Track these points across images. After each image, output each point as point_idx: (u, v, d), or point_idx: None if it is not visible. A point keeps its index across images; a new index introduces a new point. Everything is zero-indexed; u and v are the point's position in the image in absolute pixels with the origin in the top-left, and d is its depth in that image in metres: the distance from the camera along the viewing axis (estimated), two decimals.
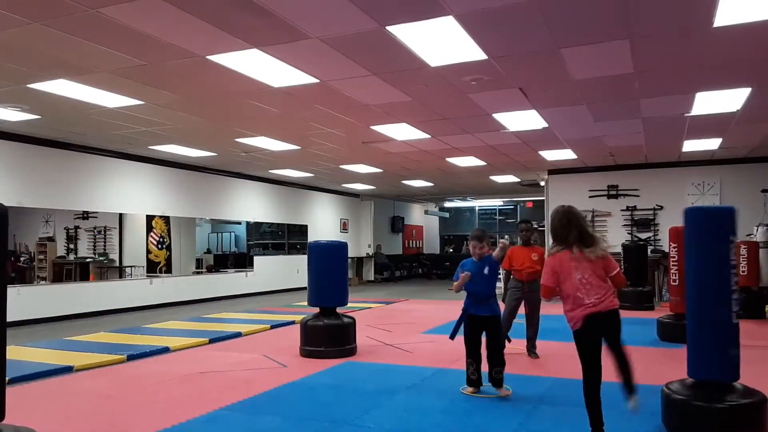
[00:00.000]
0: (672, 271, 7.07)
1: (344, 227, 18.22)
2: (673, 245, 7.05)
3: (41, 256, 9.96)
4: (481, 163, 11.85)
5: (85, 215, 10.38)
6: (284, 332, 7.72)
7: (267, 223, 14.99)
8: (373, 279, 18.97)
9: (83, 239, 10.57)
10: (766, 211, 11.06)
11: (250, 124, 8.23)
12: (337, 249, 6.35)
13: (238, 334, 7.43)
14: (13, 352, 5.66)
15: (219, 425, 3.80)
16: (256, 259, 14.36)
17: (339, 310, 6.29)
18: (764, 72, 5.89)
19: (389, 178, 14.43)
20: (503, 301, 5.74)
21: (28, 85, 6.20)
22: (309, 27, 4.61)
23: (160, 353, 6.24)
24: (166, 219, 11.94)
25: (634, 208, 12.49)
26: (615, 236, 12.47)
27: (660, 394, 3.60)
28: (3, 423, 2.74)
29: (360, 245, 18.98)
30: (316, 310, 6.21)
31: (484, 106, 7.17)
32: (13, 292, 8.36)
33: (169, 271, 12.03)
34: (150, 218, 11.54)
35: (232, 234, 15.31)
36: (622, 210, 12.59)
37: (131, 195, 10.81)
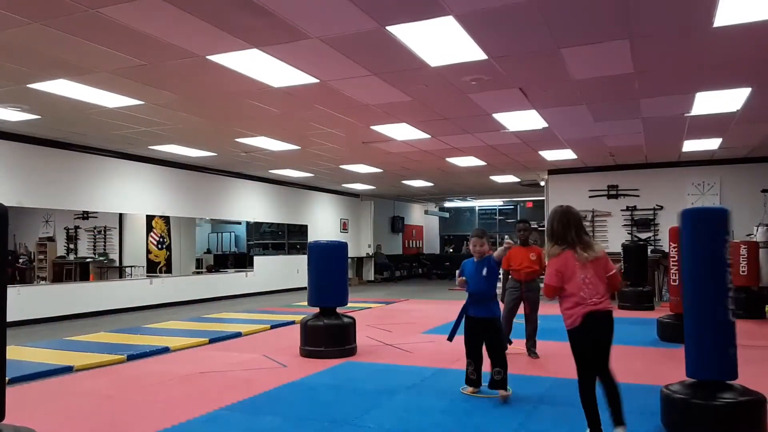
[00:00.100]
0: (672, 271, 7.07)
1: (344, 227, 18.22)
2: (673, 245, 7.06)
3: (41, 256, 9.96)
4: (481, 163, 11.85)
5: (85, 215, 10.39)
6: (284, 332, 7.72)
7: (267, 223, 14.99)
8: (373, 279, 18.98)
9: (83, 239, 10.57)
10: (766, 211, 11.06)
11: (250, 124, 8.23)
12: (337, 249, 6.35)
13: (238, 334, 7.44)
14: (13, 352, 5.66)
15: (219, 425, 3.80)
16: (256, 259, 14.36)
17: (339, 310, 6.29)
18: (764, 72, 5.89)
19: (389, 178, 14.43)
20: (502, 301, 5.75)
21: (28, 85, 6.20)
22: (309, 27, 4.62)
23: (160, 353, 6.24)
24: (166, 219, 11.95)
25: (634, 208, 12.49)
26: (615, 236, 12.49)
27: (659, 395, 3.59)
28: (3, 423, 2.74)
29: (360, 245, 18.98)
30: (316, 310, 6.21)
31: (484, 106, 7.17)
32: (13, 292, 8.36)
33: (169, 271, 12.03)
34: (150, 218, 11.55)
35: (232, 234, 15.32)
36: (622, 210, 12.60)
37: (131, 195, 10.81)
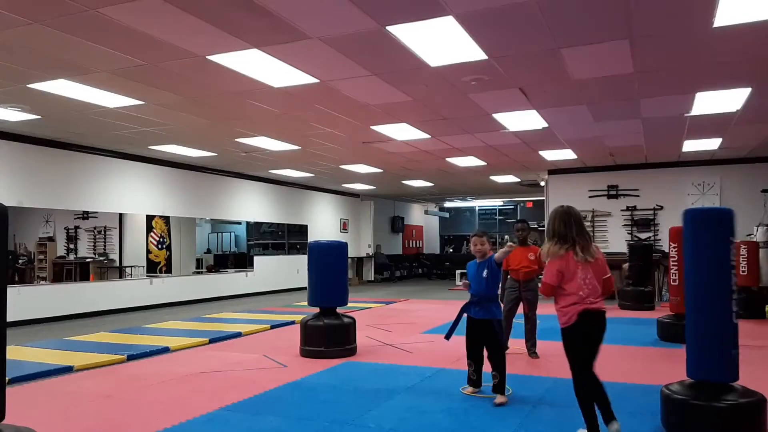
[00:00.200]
0: (672, 271, 7.07)
1: (344, 227, 18.22)
2: (673, 245, 7.05)
3: (41, 256, 9.96)
4: (481, 163, 11.85)
5: (85, 215, 10.39)
6: (284, 332, 7.72)
7: (267, 223, 14.99)
8: (373, 279, 18.98)
9: (83, 239, 10.57)
10: (766, 211, 11.06)
11: (250, 124, 8.23)
12: (337, 249, 6.35)
13: (238, 334, 7.43)
14: (13, 352, 5.67)
15: (219, 425, 3.80)
16: (256, 259, 14.36)
17: (339, 310, 6.29)
18: (764, 72, 5.89)
19: (389, 178, 14.43)
20: (501, 300, 5.75)
21: (28, 85, 6.20)
22: (309, 27, 4.61)
23: (160, 353, 6.24)
24: (166, 219, 11.95)
25: (634, 208, 12.49)
26: (615, 236, 12.50)
27: (659, 395, 3.59)
28: (3, 423, 2.73)
29: (360, 245, 18.98)
30: (316, 310, 6.21)
31: (484, 106, 7.17)
32: (13, 292, 8.36)
33: (169, 271, 12.03)
34: (150, 218, 11.55)
35: (232, 234, 15.32)
36: (622, 210, 12.59)
37: (131, 195, 10.81)
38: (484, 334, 4.39)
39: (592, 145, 9.97)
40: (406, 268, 20.87)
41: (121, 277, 11.09)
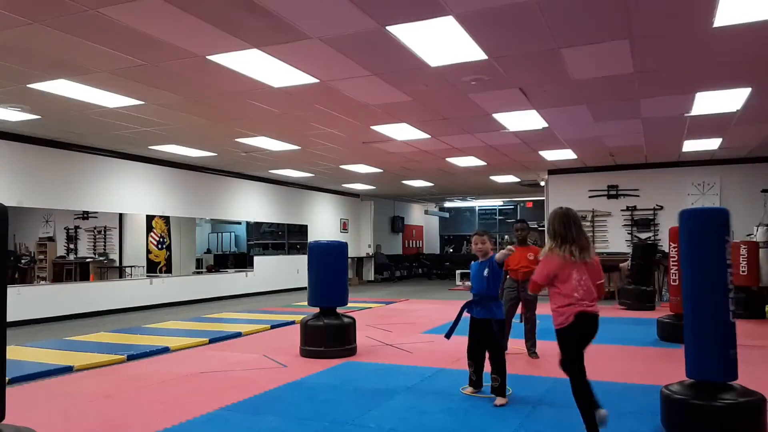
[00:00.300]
0: (672, 271, 7.07)
1: (344, 227, 18.22)
2: (673, 245, 7.06)
3: (41, 256, 9.96)
4: (481, 163, 11.85)
5: (85, 215, 10.39)
6: (284, 332, 7.72)
7: (267, 223, 14.99)
8: (373, 279, 18.98)
9: (83, 239, 10.57)
10: (766, 211, 11.06)
11: (250, 124, 8.23)
12: (337, 249, 6.35)
13: (238, 334, 7.44)
14: (13, 352, 5.67)
15: (219, 425, 3.80)
16: (256, 259, 14.36)
17: (339, 310, 6.29)
18: (764, 72, 5.89)
19: (389, 178, 14.43)
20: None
21: (28, 85, 6.20)
22: (309, 27, 4.62)
23: (160, 353, 6.24)
24: (166, 219, 11.95)
25: (634, 208, 12.49)
26: (615, 236, 12.50)
27: (659, 395, 3.59)
28: (3, 423, 2.74)
29: (360, 245, 18.98)
30: (316, 310, 6.21)
31: (484, 106, 7.17)
32: (13, 292, 8.36)
33: (169, 271, 12.03)
34: (150, 218, 11.55)
35: (232, 234, 15.32)
36: (622, 210, 12.59)
37: (131, 195, 10.81)
38: (484, 334, 4.37)
39: (592, 145, 9.97)
40: (406, 268, 20.87)
41: (121, 277, 11.09)
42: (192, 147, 9.97)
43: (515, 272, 5.82)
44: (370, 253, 19.08)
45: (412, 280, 20.07)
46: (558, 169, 12.99)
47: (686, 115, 7.73)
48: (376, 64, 5.55)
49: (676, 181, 12.02)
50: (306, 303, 6.55)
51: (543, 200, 14.73)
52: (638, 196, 12.47)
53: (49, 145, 9.25)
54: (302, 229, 16.17)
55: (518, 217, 20.68)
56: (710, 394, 3.30)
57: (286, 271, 15.20)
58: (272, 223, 15.17)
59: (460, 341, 4.62)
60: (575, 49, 5.16)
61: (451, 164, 11.98)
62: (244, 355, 6.13)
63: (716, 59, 5.47)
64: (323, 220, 17.06)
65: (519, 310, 5.93)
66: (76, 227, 10.44)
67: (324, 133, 8.77)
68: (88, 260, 10.59)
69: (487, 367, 4.40)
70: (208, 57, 5.29)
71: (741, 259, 8.98)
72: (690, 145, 10.07)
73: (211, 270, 13.73)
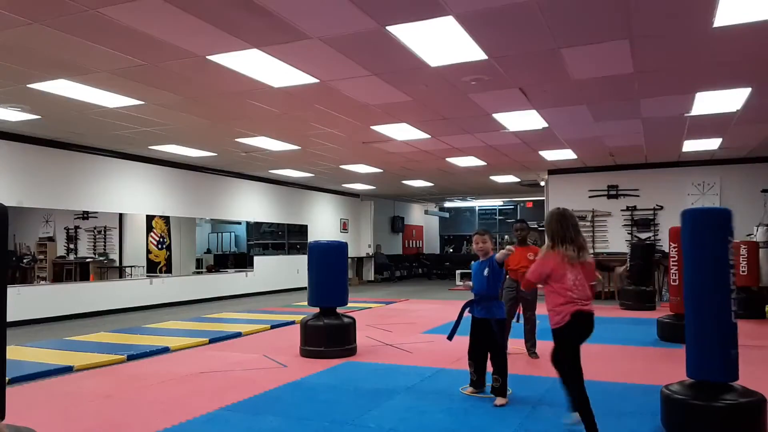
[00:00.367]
0: (672, 271, 7.07)
1: (344, 227, 18.22)
2: (673, 245, 7.05)
3: (41, 256, 9.96)
4: (481, 163, 11.85)
5: (85, 215, 10.39)
6: (284, 332, 7.72)
7: (267, 223, 14.99)
8: (373, 279, 18.98)
9: (83, 239, 10.57)
10: (766, 211, 11.06)
11: (250, 124, 8.23)
12: (337, 249, 6.35)
13: (238, 334, 7.44)
14: (13, 352, 5.67)
15: (219, 425, 3.80)
16: (256, 259, 14.36)
17: (339, 310, 6.29)
18: (764, 72, 5.89)
19: (389, 178, 14.43)
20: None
21: (28, 85, 6.20)
22: (309, 27, 4.61)
23: (160, 353, 6.24)
24: (166, 219, 11.95)
25: (634, 208, 12.49)
26: (615, 236, 12.49)
27: (659, 395, 3.59)
28: (3, 423, 2.74)
29: (360, 245, 18.98)
30: (316, 310, 6.21)
31: (484, 106, 7.17)
32: (14, 292, 8.36)
33: (169, 271, 12.03)
34: (150, 218, 11.55)
35: (232, 234, 15.32)
36: (622, 210, 12.59)
37: (131, 195, 10.81)
38: (485, 334, 4.37)
39: (592, 145, 9.97)
40: (406, 268, 20.87)
41: (121, 277, 11.09)
42: (192, 147, 9.97)
43: (515, 272, 5.82)
44: (370, 253, 19.08)
45: (412, 280, 20.07)
46: (558, 169, 12.99)
47: (686, 115, 7.73)
48: (376, 64, 5.55)
49: (676, 181, 12.02)
50: (306, 303, 6.55)
51: (543, 200, 14.73)
52: (638, 196, 12.47)
53: (49, 145, 9.25)
54: (302, 229, 16.17)
55: (518, 217, 20.68)
56: (711, 395, 3.30)
57: (286, 271, 15.20)
58: (272, 223, 15.17)
59: (461, 341, 4.62)
60: (575, 49, 5.16)
61: (451, 164, 11.98)
62: (244, 355, 6.13)
63: (716, 59, 5.46)
64: (323, 220, 17.06)
65: (519, 310, 5.93)
66: (76, 227, 10.44)
67: (324, 133, 8.77)
68: (88, 260, 10.59)
69: (489, 367, 4.40)
70: (208, 57, 5.29)
71: (741, 259, 8.99)
72: (690, 145, 10.07)
73: (211, 270, 13.73)
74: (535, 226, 17.70)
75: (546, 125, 8.30)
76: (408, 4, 4.19)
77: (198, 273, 13.19)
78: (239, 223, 14.61)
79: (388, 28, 4.62)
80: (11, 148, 8.74)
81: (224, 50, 5.12)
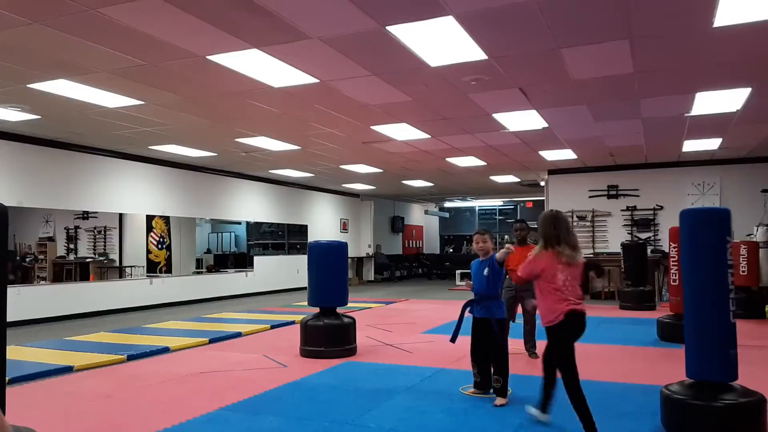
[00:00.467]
0: (672, 271, 7.07)
1: (344, 227, 18.22)
2: (673, 245, 7.05)
3: (41, 256, 9.96)
4: (481, 163, 11.85)
5: (85, 215, 10.39)
6: (284, 332, 7.72)
7: (267, 223, 14.99)
8: (373, 279, 18.98)
9: (83, 239, 10.57)
10: (766, 211, 11.06)
11: (250, 124, 8.23)
12: (337, 249, 6.35)
13: (238, 334, 7.44)
14: (13, 352, 5.67)
15: (219, 425, 3.80)
16: (256, 259, 14.36)
17: (339, 310, 6.29)
18: (764, 72, 5.89)
19: (389, 178, 14.43)
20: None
21: (28, 85, 6.20)
22: (309, 27, 4.62)
23: (160, 353, 6.24)
24: (166, 219, 11.95)
25: (634, 208, 12.49)
26: (615, 236, 12.49)
27: (659, 395, 3.59)
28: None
29: (360, 245, 18.98)
30: (316, 310, 6.21)
31: (484, 106, 7.17)
32: (14, 292, 8.36)
33: (169, 271, 12.03)
34: (150, 218, 11.55)
35: (232, 234, 15.32)
36: (622, 210, 12.59)
37: (131, 195, 10.81)
38: (485, 334, 4.37)
39: (592, 145, 9.97)
40: (406, 268, 20.87)
41: (121, 277, 11.09)
42: (192, 147, 9.97)
43: (514, 272, 5.80)
44: (370, 253, 19.08)
45: (412, 280, 20.07)
46: (558, 169, 12.99)
47: (686, 115, 7.73)
48: (376, 64, 5.55)
49: (676, 181, 12.02)
50: (306, 303, 6.55)
51: (543, 200, 14.72)
52: (638, 196, 12.47)
53: (49, 145, 9.25)
54: (302, 229, 16.17)
55: (518, 217, 20.67)
56: (710, 395, 3.30)
57: (286, 271, 15.20)
58: (272, 223, 15.17)
59: (461, 341, 4.61)
60: (575, 49, 5.16)
61: (451, 164, 11.98)
62: (244, 355, 6.13)
63: (716, 59, 5.47)
64: (323, 220, 17.06)
65: (517, 310, 5.93)
66: (76, 227, 10.44)
67: (324, 133, 8.77)
68: (88, 260, 10.59)
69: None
70: (208, 57, 5.29)
71: (741, 259, 8.99)
72: (690, 145, 10.07)
73: (211, 270, 13.73)
74: (535, 226, 17.68)
75: (546, 125, 8.30)
76: (408, 4, 4.19)
77: (198, 273, 13.19)
78: (239, 223, 14.61)
79: (388, 28, 4.62)
80: (11, 148, 8.74)
81: (224, 50, 5.12)
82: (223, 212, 13.35)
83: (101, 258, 10.86)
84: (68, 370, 5.39)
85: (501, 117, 7.80)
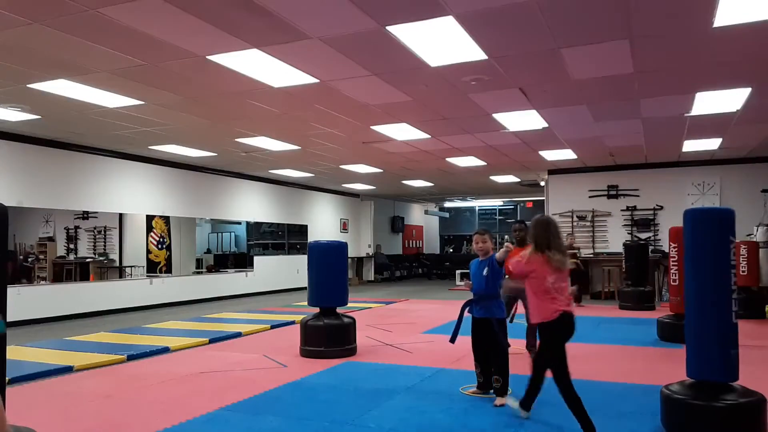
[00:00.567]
0: (672, 271, 7.07)
1: (344, 227, 18.22)
2: (673, 245, 7.05)
3: (41, 256, 9.97)
4: (481, 163, 11.85)
5: (85, 215, 10.39)
6: (284, 332, 7.72)
7: (267, 223, 14.99)
8: (373, 279, 18.97)
9: (83, 239, 10.57)
10: (766, 211, 11.06)
11: (250, 124, 8.23)
12: (337, 249, 6.35)
13: (238, 334, 7.44)
14: (13, 352, 5.66)
15: (219, 425, 3.80)
16: (256, 259, 14.36)
17: (339, 310, 6.29)
18: (764, 72, 5.89)
19: (389, 178, 14.43)
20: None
21: (28, 85, 6.20)
22: (309, 27, 4.62)
23: (160, 353, 6.24)
24: (166, 219, 11.95)
25: (634, 208, 12.49)
26: (615, 236, 12.49)
27: (659, 395, 3.59)
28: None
29: (360, 245, 18.98)
30: (316, 310, 6.21)
31: (484, 106, 7.17)
32: (14, 292, 8.35)
33: (169, 271, 12.03)
34: (150, 218, 11.55)
35: (232, 234, 15.32)
36: (622, 210, 12.59)
37: (131, 195, 10.81)
38: (485, 333, 4.37)
39: (592, 145, 9.97)
40: (406, 268, 20.87)
41: (121, 277, 11.09)
42: (192, 147, 9.97)
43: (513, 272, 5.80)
44: (370, 253, 19.08)
45: (412, 280, 20.07)
46: (558, 169, 12.98)
47: (686, 115, 7.73)
48: (376, 64, 5.55)
49: (676, 181, 12.02)
50: (306, 303, 6.55)
51: (543, 200, 14.72)
52: (638, 196, 12.47)
53: (49, 145, 9.25)
54: (302, 229, 16.17)
55: (518, 217, 20.68)
56: (711, 395, 3.30)
57: (286, 271, 15.20)
58: (272, 223, 15.17)
59: (461, 341, 4.61)
60: (575, 49, 5.15)
61: (451, 164, 11.98)
62: (244, 355, 6.13)
63: (716, 59, 5.46)
64: (323, 220, 17.06)
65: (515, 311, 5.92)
66: (76, 227, 10.44)
67: (324, 133, 8.77)
68: (88, 260, 10.59)
69: None
70: (208, 57, 5.29)
71: (741, 259, 8.99)
72: (690, 145, 10.07)
73: (211, 270, 13.73)
74: None
75: (546, 125, 8.30)
76: (408, 4, 4.19)
77: (198, 273, 13.19)
78: (239, 223, 14.61)
79: (388, 28, 4.62)
80: (11, 148, 8.74)
81: (224, 50, 5.12)
82: (223, 212, 13.35)
83: (101, 258, 10.86)
84: (68, 370, 5.39)
85: (501, 117, 7.80)
